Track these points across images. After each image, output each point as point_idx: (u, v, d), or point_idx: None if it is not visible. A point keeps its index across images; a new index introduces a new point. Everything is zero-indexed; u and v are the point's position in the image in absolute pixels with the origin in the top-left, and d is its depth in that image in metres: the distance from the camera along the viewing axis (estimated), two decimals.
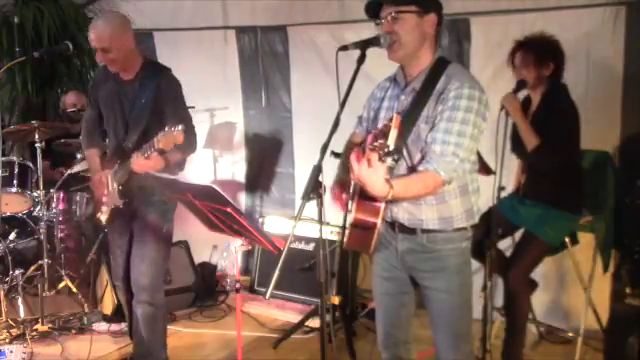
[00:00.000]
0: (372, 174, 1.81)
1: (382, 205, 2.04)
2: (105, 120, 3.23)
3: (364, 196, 2.03)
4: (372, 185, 1.84)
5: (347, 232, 2.14)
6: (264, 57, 4.83)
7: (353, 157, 1.83)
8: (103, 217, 3.27)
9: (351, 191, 2.18)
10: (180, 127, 2.63)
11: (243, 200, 5.11)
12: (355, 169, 1.82)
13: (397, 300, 2.35)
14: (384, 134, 1.78)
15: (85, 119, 3.41)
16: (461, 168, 2.06)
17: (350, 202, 2.20)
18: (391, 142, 1.77)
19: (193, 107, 4.71)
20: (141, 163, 2.83)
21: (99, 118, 3.28)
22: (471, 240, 2.24)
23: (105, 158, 3.26)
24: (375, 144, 1.78)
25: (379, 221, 2.05)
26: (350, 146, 2.45)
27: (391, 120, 1.78)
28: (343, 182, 2.32)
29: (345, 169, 2.35)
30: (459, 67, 2.19)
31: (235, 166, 5.16)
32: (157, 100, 3.00)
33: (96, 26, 3.00)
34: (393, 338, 2.40)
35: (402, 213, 2.18)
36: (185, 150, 3.00)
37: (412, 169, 2.11)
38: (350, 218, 2.10)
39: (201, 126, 5.03)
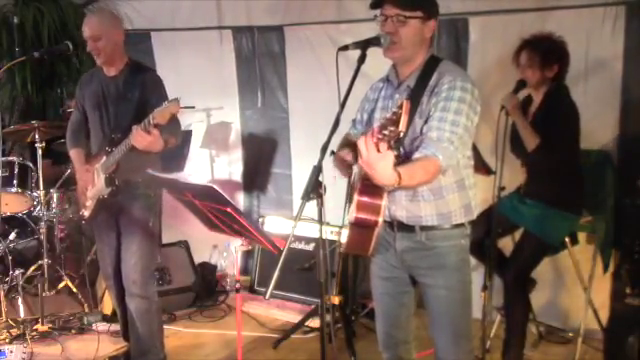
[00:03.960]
0: (381, 159, 1.75)
1: (383, 203, 2.03)
2: (90, 119, 3.27)
3: (364, 194, 2.02)
4: (381, 171, 1.78)
5: (347, 234, 2.14)
6: (261, 57, 4.83)
7: (361, 142, 1.77)
8: (87, 212, 3.29)
9: (352, 190, 2.18)
10: (174, 99, 2.71)
11: (241, 201, 5.11)
12: (363, 154, 1.76)
13: (397, 300, 2.36)
14: (393, 122, 1.73)
15: (71, 122, 3.46)
16: (455, 157, 2.07)
17: (348, 201, 2.20)
18: (402, 127, 1.72)
19: (193, 107, 4.76)
20: (143, 134, 2.81)
21: (84, 121, 3.34)
22: (470, 238, 2.24)
23: (90, 157, 3.29)
24: (385, 132, 1.73)
25: (381, 219, 2.04)
26: (346, 142, 2.41)
27: (400, 107, 1.74)
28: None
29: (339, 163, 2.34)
30: (450, 64, 2.22)
31: (232, 166, 5.16)
32: (142, 96, 3.07)
33: (89, 17, 3.23)
34: (393, 338, 2.40)
35: (400, 211, 2.19)
36: (176, 134, 3.05)
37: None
38: (350, 217, 2.08)
39: (199, 126, 5.04)
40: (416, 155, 2.04)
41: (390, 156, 1.76)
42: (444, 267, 2.20)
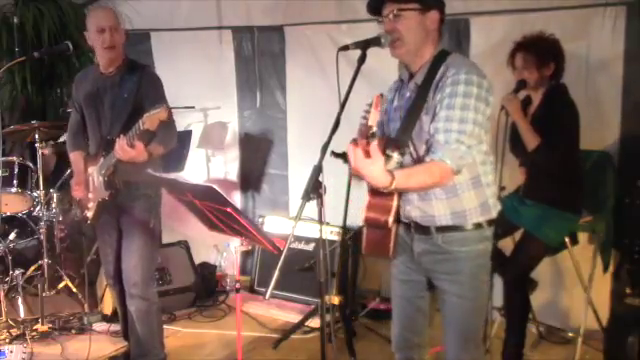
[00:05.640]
0: (369, 164, 1.79)
1: (394, 203, 2.02)
2: (88, 118, 3.25)
3: (375, 194, 2.03)
4: (371, 175, 1.82)
5: (364, 235, 2.13)
6: (260, 57, 4.83)
7: (349, 149, 1.81)
8: (89, 214, 3.28)
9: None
10: (164, 105, 2.69)
11: (237, 201, 5.10)
12: (351, 160, 1.81)
13: (413, 304, 2.35)
14: (365, 117, 1.79)
15: (70, 124, 3.44)
16: (469, 155, 2.01)
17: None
18: (372, 122, 1.79)
19: (193, 107, 4.76)
20: (126, 149, 2.82)
21: (82, 122, 3.32)
22: (490, 241, 2.20)
23: (89, 157, 3.28)
24: (362, 129, 1.81)
25: (390, 219, 2.03)
26: None
27: (371, 104, 1.79)
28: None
29: None
30: (459, 56, 2.17)
31: (228, 167, 5.16)
32: (138, 95, 3.05)
33: (101, 9, 3.25)
34: (408, 341, 2.39)
35: (414, 211, 2.16)
36: (166, 142, 3.03)
37: (418, 162, 2.08)
38: (362, 218, 2.09)
39: (198, 126, 5.04)
40: (426, 159, 2.03)
41: (379, 160, 1.79)
42: (459, 273, 2.16)
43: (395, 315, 2.42)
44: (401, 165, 2.02)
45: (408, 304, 2.35)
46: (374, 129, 1.79)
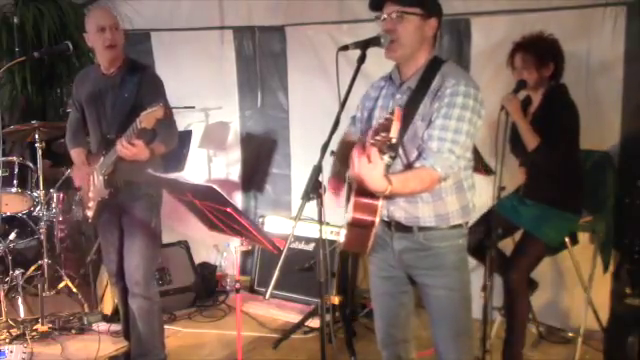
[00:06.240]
0: (372, 170, 1.83)
1: (380, 203, 2.04)
2: (89, 118, 3.26)
3: (361, 194, 2.03)
4: (371, 181, 1.86)
5: (345, 232, 2.15)
6: (262, 57, 4.82)
7: (355, 153, 1.84)
8: (90, 213, 3.28)
9: (349, 189, 2.19)
10: (160, 104, 2.71)
11: (239, 201, 5.10)
12: (355, 165, 1.84)
13: (396, 300, 2.36)
14: (385, 127, 1.79)
15: (69, 122, 3.45)
16: (457, 165, 2.08)
17: (346, 200, 2.21)
18: (394, 134, 1.79)
19: (193, 107, 4.76)
20: (127, 146, 2.84)
21: (83, 120, 3.33)
22: (467, 237, 2.25)
23: (90, 155, 3.29)
24: (377, 138, 1.79)
25: (377, 219, 2.05)
26: (344, 144, 2.43)
27: (392, 113, 1.79)
28: (338, 175, 2.34)
29: (339, 165, 2.38)
30: (453, 65, 2.21)
31: (230, 167, 5.16)
32: (139, 95, 3.06)
33: (99, 9, 3.26)
34: (392, 337, 2.41)
35: (398, 212, 2.19)
36: (167, 141, 3.06)
37: (408, 166, 2.13)
38: (347, 217, 2.10)
39: (199, 126, 5.04)
40: (416, 165, 2.08)
41: (380, 166, 1.84)
42: (443, 267, 2.20)
43: (378, 313, 2.44)
44: (388, 168, 2.04)
45: (392, 299, 2.37)
46: (393, 141, 1.81)
